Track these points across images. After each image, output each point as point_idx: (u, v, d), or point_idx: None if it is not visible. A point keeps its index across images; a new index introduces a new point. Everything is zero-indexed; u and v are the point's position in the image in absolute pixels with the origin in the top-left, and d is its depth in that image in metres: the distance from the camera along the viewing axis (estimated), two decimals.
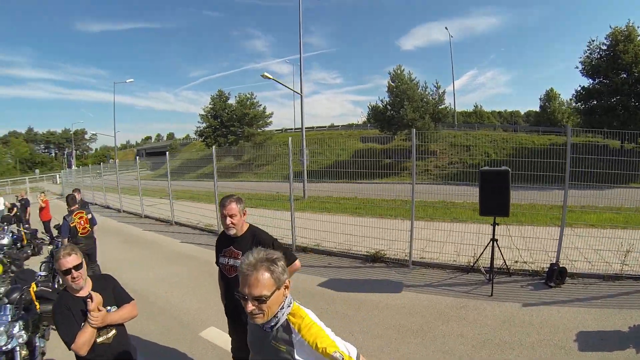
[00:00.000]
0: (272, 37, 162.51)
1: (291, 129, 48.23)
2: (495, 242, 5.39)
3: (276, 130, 47.34)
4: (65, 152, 75.31)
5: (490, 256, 5.40)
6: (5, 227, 9.39)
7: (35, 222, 11.51)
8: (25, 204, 11.96)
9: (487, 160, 19.71)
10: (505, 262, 5.71)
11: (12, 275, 7.63)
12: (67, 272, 2.17)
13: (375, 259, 6.91)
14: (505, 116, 69.67)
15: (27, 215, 11.83)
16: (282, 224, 7.70)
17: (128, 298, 2.52)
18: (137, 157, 12.33)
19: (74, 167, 37.50)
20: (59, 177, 34.55)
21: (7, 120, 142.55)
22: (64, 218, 6.81)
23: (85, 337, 2.14)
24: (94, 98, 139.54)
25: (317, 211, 10.09)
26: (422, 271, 6.34)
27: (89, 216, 6.43)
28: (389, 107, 29.84)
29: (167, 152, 12.53)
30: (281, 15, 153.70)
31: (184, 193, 14.58)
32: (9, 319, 3.45)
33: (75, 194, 8.14)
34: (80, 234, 6.19)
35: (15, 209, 11.84)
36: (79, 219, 6.20)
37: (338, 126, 49.64)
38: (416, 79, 30.22)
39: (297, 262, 2.75)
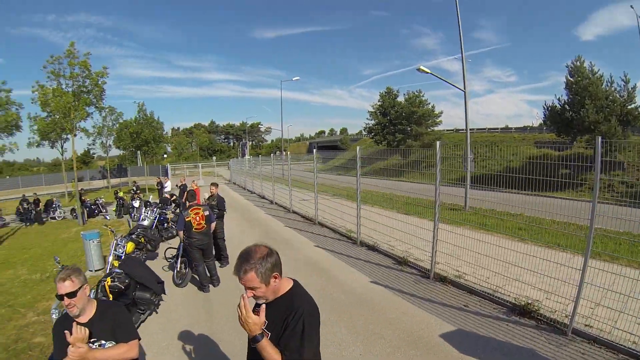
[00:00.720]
0: (441, 34, 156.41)
1: (462, 129, 44.41)
2: None
3: (447, 130, 44.27)
4: (241, 143, 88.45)
5: None
6: (155, 209, 10.51)
7: None
8: (183, 188, 13.31)
9: None
10: None
11: (146, 254, 8.27)
12: (61, 297, 2.10)
13: (523, 312, 4.72)
14: None
15: (184, 199, 13.33)
16: (422, 235, 6.33)
17: (129, 336, 2.26)
18: (314, 150, 12.14)
19: (246, 157, 43.11)
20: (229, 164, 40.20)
21: (193, 114, 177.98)
22: (180, 212, 7.20)
23: None
24: (271, 95, 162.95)
25: (474, 226, 8.10)
26: (583, 347, 3.92)
27: (206, 213, 6.47)
28: (567, 107, 24.07)
29: (314, 150, 12.29)
30: (450, 11, 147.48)
31: (340, 190, 14.02)
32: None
33: (213, 188, 8.51)
34: (195, 229, 6.28)
35: (174, 196, 13.45)
36: (195, 214, 6.32)
37: (511, 129, 43.32)
38: (599, 71, 23.41)
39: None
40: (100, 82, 14.81)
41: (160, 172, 32.74)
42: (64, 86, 13.98)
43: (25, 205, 18.44)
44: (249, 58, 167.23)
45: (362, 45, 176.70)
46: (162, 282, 5.59)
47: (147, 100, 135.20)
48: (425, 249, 6.39)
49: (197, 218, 6.31)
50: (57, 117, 14.48)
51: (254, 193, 20.91)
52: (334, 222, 10.46)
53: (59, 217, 17.81)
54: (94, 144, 30.35)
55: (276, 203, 15.98)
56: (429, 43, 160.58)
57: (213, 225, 6.70)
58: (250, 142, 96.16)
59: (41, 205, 18.85)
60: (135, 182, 24.73)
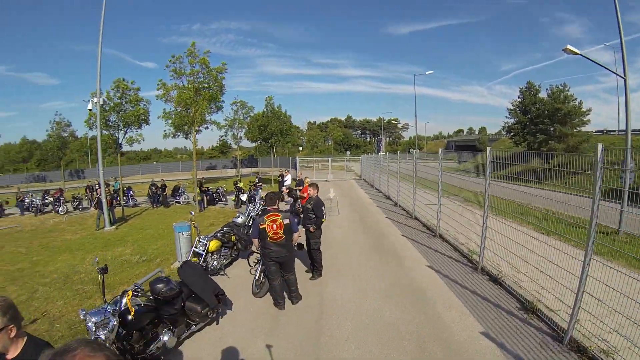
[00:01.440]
0: (586, 20, 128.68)
1: (614, 131, 36.15)
2: None
3: (595, 132, 36.35)
4: (376, 139, 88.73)
5: None
6: (257, 204, 10.50)
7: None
8: (299, 183, 13.79)
9: None
10: None
11: (236, 253, 8.01)
12: None
13: None
14: None
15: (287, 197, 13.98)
16: (561, 269, 4.60)
17: None
18: (440, 150, 10.96)
19: (381, 153, 42.85)
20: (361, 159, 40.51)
21: (330, 109, 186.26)
22: (255, 217, 6.38)
23: None
24: (407, 91, 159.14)
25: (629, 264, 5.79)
26: None
27: (286, 221, 5.51)
28: None
29: (441, 150, 10.81)
30: None
31: (471, 195, 12.23)
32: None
33: (312, 190, 7.39)
34: (270, 239, 5.43)
35: (291, 190, 13.66)
36: (272, 222, 5.43)
37: None
38: None
39: None
40: (219, 78, 16.10)
41: (290, 164, 35.43)
42: (185, 82, 15.40)
43: (153, 189, 20.65)
44: (384, 54, 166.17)
45: (500, 38, 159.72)
46: (222, 295, 5.19)
47: (286, 96, 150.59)
48: (565, 294, 4.52)
49: (274, 226, 5.42)
50: (180, 110, 15.78)
51: (380, 192, 20.36)
52: (457, 236, 9.13)
53: (183, 202, 20.28)
54: (226, 136, 34.09)
55: (400, 206, 15.14)
56: (572, 31, 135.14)
57: (296, 236, 5.74)
58: (387, 139, 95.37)
59: (168, 190, 20.93)
60: (257, 173, 27.03)
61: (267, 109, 28.60)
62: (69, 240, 12.71)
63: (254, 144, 41.46)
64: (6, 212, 21.00)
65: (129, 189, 21.78)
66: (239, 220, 9.28)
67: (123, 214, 17.60)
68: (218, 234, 7.79)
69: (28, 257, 10.51)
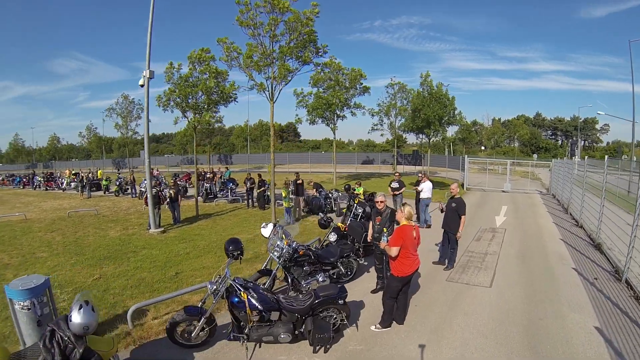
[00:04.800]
0: None
1: None
2: None
3: None
4: (570, 141, 68.80)
5: None
6: None
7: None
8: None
9: None
10: None
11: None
12: None
13: None
14: None
15: None
16: None
17: None
18: None
19: (575, 158, 30.13)
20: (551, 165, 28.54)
21: (517, 107, 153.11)
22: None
23: None
24: (608, 88, 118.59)
25: None
26: None
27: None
28: None
29: None
30: None
31: None
32: None
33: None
34: None
35: None
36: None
37: None
38: None
39: None
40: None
41: (460, 165, 26.08)
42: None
43: (248, 185, 16.02)
44: (577, 43, 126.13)
45: None
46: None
47: (474, 92, 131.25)
48: None
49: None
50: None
51: (578, 224, 11.49)
52: None
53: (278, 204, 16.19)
54: (381, 125, 27.91)
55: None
56: None
57: None
58: (583, 142, 73.45)
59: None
60: (423, 173, 19.99)
61: (422, 89, 20.62)
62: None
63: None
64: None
65: (231, 180, 19.06)
66: (332, 237, 7.67)
67: (197, 212, 14.43)
68: None
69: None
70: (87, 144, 51.80)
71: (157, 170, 25.99)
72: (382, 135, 35.00)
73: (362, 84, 21.74)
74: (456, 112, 19.24)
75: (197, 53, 12.22)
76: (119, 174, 25.25)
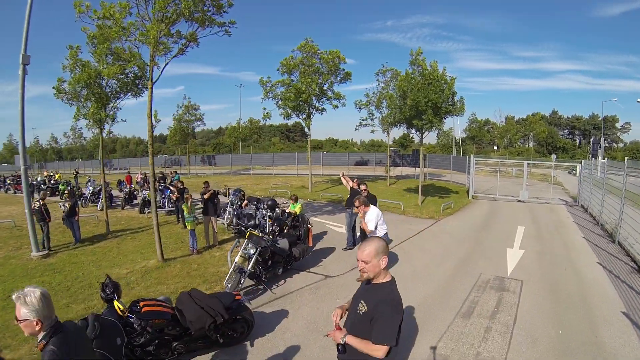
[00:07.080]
0: None
1: None
2: None
3: None
4: (591, 140, 63.56)
5: None
6: None
7: None
8: None
9: None
10: None
11: None
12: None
13: None
14: None
15: None
16: None
17: None
18: None
19: (600, 159, 25.75)
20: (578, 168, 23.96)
21: (532, 107, 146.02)
22: None
23: None
24: (626, 88, 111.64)
25: None
26: None
27: None
28: None
29: None
30: None
31: None
32: None
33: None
34: None
35: None
36: None
37: None
38: None
39: None
40: None
41: (467, 166, 21.12)
42: None
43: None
44: (593, 43, 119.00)
45: None
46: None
47: (489, 92, 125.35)
48: None
49: None
50: None
51: (629, 255, 7.42)
52: None
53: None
54: (371, 120, 23.41)
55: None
56: None
57: None
58: (605, 141, 68.45)
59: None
60: (358, 180, 15.79)
61: (412, 68, 14.58)
62: None
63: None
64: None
65: (168, 188, 15.26)
66: None
67: (108, 228, 11.06)
68: None
69: None
70: (72, 144, 49.08)
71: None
72: (372, 132, 30.59)
73: (343, 69, 17.85)
74: (457, 99, 14.43)
75: None
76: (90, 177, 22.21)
